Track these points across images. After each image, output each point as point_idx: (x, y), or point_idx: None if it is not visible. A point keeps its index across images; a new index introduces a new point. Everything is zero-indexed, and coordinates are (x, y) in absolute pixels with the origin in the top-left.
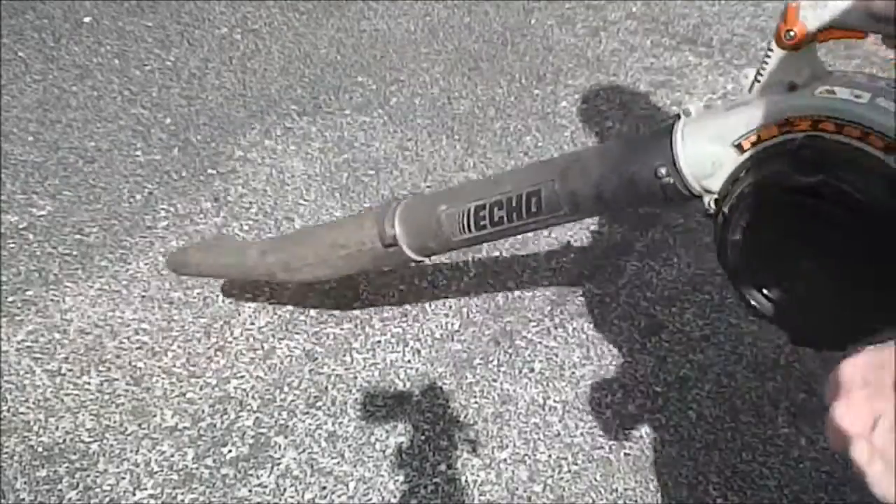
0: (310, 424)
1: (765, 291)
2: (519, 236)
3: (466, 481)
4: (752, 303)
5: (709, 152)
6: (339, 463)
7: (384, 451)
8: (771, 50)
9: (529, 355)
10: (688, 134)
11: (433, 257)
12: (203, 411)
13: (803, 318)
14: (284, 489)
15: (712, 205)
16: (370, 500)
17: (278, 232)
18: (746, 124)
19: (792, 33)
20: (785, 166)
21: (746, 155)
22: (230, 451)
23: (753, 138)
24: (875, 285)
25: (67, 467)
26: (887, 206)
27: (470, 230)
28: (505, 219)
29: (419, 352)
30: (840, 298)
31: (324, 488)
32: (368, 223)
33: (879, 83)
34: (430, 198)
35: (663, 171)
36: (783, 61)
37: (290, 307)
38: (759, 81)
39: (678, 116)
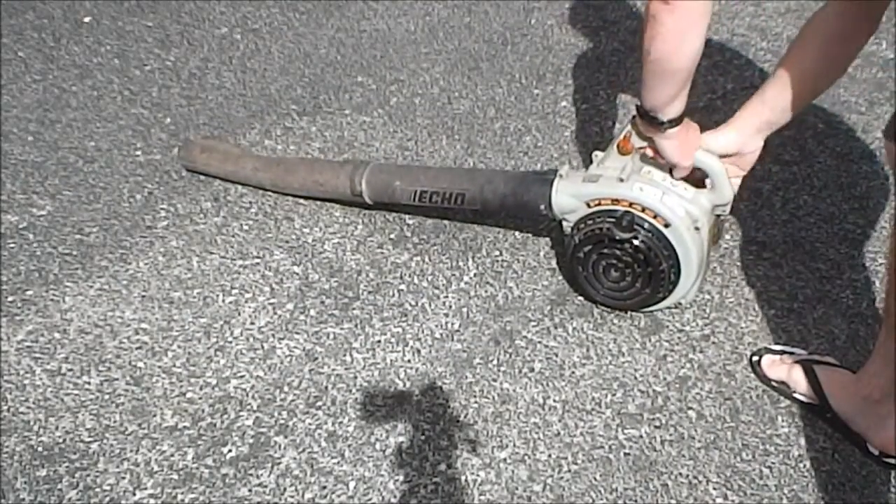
0: (310, 424)
1: (588, 281)
2: (519, 236)
3: (466, 481)
4: (583, 285)
5: (569, 202)
6: (339, 463)
7: (384, 451)
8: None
9: (529, 355)
10: (559, 189)
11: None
12: (203, 411)
13: (604, 296)
14: (284, 489)
15: (568, 229)
16: (370, 499)
17: (278, 232)
18: (593, 194)
19: (626, 148)
20: (612, 226)
21: (592, 210)
22: (230, 450)
23: (596, 201)
24: (638, 291)
25: (67, 467)
26: (657, 255)
27: (414, 201)
28: (438, 202)
29: (419, 352)
30: (622, 291)
31: (324, 488)
32: (343, 176)
33: (667, 183)
34: (390, 172)
35: (542, 207)
36: (619, 160)
37: (290, 307)
38: (603, 164)
39: (556, 174)
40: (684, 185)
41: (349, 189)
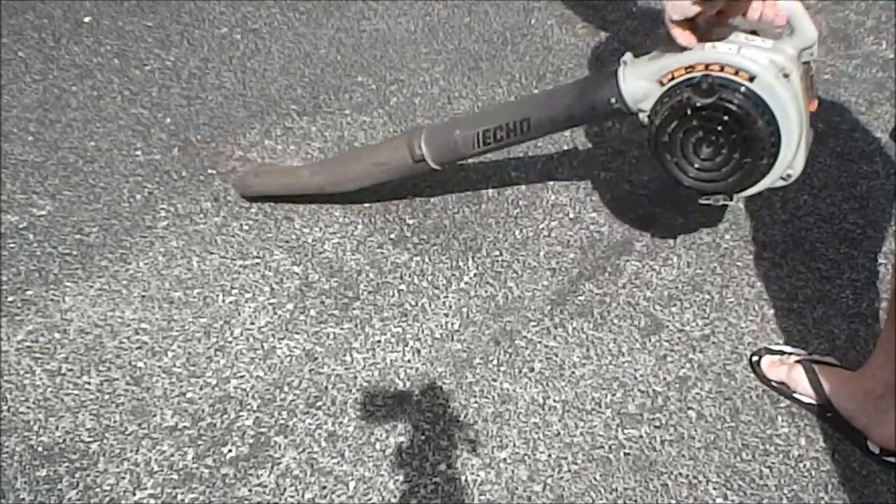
0: (310, 424)
1: (679, 166)
2: (519, 236)
3: (466, 481)
4: (673, 172)
5: (641, 87)
6: (339, 463)
7: (384, 451)
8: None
9: (529, 355)
10: (627, 76)
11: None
12: (203, 411)
13: (697, 180)
14: (284, 489)
15: (645, 119)
16: (370, 499)
17: (278, 232)
18: (664, 68)
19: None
20: (691, 93)
21: (666, 87)
22: (230, 450)
23: (669, 76)
24: (738, 163)
25: (67, 467)
26: (749, 113)
27: (479, 147)
28: (504, 137)
29: (419, 352)
30: (719, 169)
31: (324, 488)
32: (401, 147)
33: (741, 38)
34: (447, 126)
35: (613, 100)
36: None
37: (290, 307)
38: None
39: (620, 63)
40: (760, 38)
41: (410, 158)
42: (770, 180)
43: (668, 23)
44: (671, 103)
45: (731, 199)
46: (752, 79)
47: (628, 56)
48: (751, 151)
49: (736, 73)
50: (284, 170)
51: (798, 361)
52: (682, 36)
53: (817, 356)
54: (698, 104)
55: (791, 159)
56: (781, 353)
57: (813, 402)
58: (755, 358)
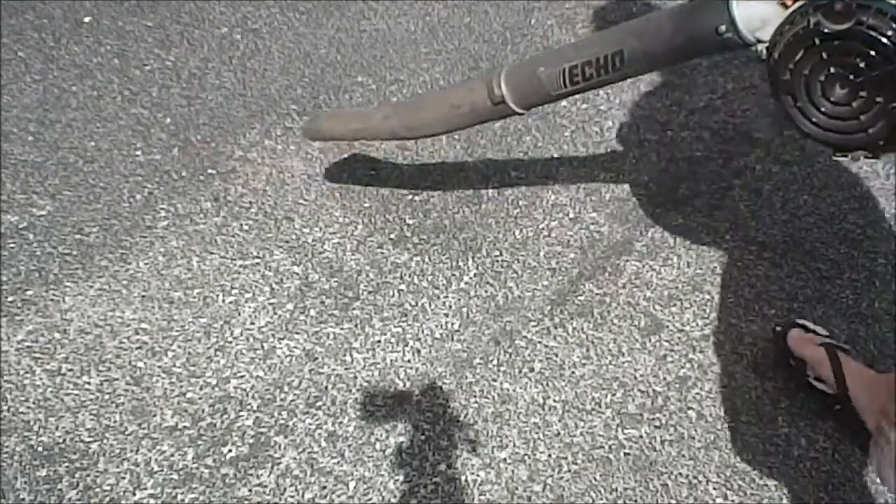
0: (310, 424)
1: (804, 112)
2: (519, 236)
3: (466, 481)
4: (796, 120)
5: (759, 10)
6: (339, 463)
7: (384, 451)
8: None
9: (529, 355)
10: None
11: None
12: (203, 411)
13: (827, 131)
14: (284, 489)
15: (764, 52)
16: (370, 500)
17: (278, 232)
18: None
19: None
20: (821, 17)
21: (790, 10)
22: (230, 450)
23: None
24: (883, 109)
25: (67, 467)
26: (891, 38)
27: (566, 86)
28: (594, 75)
29: (419, 352)
30: (857, 117)
31: (324, 488)
32: (478, 86)
33: None
34: (529, 62)
35: (723, 28)
36: None
37: (290, 307)
38: None
39: None
40: None
41: (489, 99)
42: None
43: None
44: (795, 30)
45: (877, 157)
46: None
47: None
48: None
49: None
50: (354, 114)
51: (823, 344)
52: None
53: (841, 345)
54: (830, 31)
55: None
56: (811, 330)
57: (826, 390)
58: (779, 329)
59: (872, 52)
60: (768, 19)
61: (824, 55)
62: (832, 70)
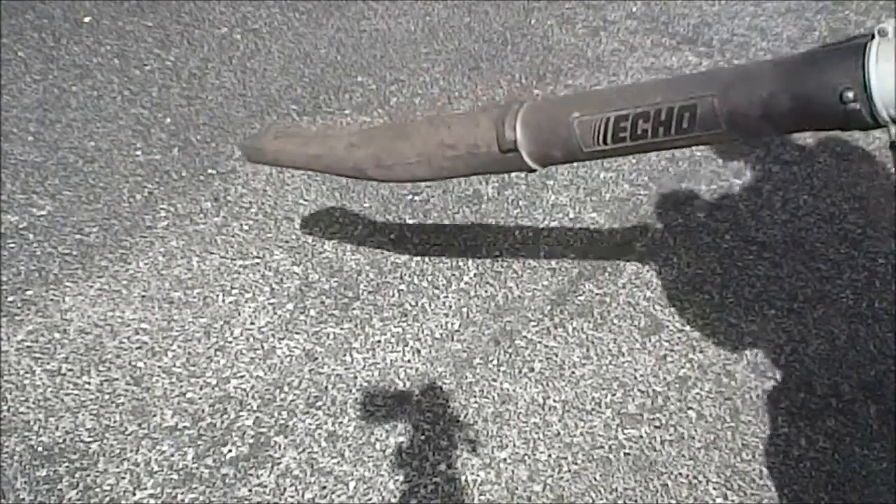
0: (310, 424)
1: None
2: (519, 236)
3: (466, 481)
4: None
5: None
6: (339, 463)
7: (384, 451)
8: None
9: (529, 355)
10: (883, 55)
11: (552, 166)
12: (203, 411)
13: None
14: (284, 489)
15: None
16: (370, 500)
17: (278, 232)
18: None
19: None
20: None
21: None
22: (230, 450)
23: None
24: None
25: (67, 467)
26: None
27: (605, 142)
28: (649, 132)
29: (419, 352)
30: None
31: (324, 488)
32: (485, 123)
33: None
34: (562, 101)
35: (850, 94)
36: None
37: (290, 307)
38: None
39: (871, 36)
40: None
41: (497, 143)
42: None
43: None
44: None
45: None
46: None
47: (891, 23)
48: None
49: None
50: (311, 135)
51: None
52: None
53: None
54: None
55: None
56: None
57: None
58: None
59: None
60: None
61: None
62: None
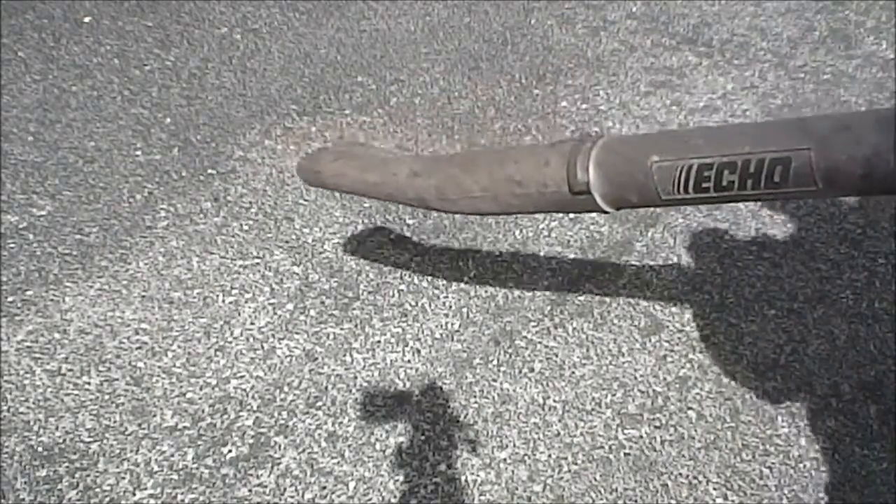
0: (310, 424)
1: None
2: (519, 236)
3: (466, 481)
4: None
5: None
6: (339, 463)
7: (384, 451)
8: None
9: (529, 355)
10: None
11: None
12: (203, 411)
13: None
14: (284, 489)
15: None
16: (370, 500)
17: (278, 232)
18: None
19: None
20: None
21: None
22: (230, 451)
23: None
24: None
25: (67, 467)
26: None
27: (687, 191)
28: (735, 185)
29: (419, 352)
30: None
31: (324, 488)
32: (555, 161)
33: None
34: (640, 142)
35: None
36: None
37: (290, 307)
38: None
39: None
40: None
41: (566, 184)
42: None
43: None
44: None
45: None
46: None
47: None
48: None
49: None
50: (372, 159)
51: None
52: None
53: None
54: None
55: None
56: None
57: None
58: None
59: None
60: None
61: None
62: None
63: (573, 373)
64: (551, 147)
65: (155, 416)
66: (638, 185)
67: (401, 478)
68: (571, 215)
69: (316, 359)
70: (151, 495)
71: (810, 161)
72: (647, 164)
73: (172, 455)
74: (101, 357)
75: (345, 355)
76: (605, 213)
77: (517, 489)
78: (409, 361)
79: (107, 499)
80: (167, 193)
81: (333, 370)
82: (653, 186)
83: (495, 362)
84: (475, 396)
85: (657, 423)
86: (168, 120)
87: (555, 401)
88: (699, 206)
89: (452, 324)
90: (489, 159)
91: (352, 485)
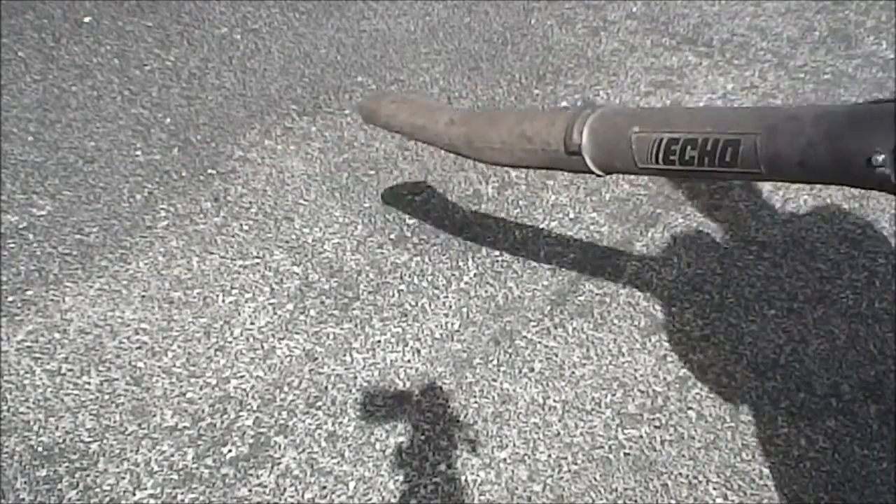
0: (310, 424)
1: None
2: (519, 236)
3: (466, 481)
4: None
5: None
6: (339, 463)
7: (384, 451)
8: None
9: (529, 355)
10: None
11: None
12: (203, 411)
13: None
14: (284, 489)
15: None
16: (370, 500)
17: (278, 232)
18: None
19: None
20: None
21: None
22: (230, 450)
23: None
24: None
25: (67, 467)
26: None
27: (657, 161)
28: (695, 160)
29: (419, 352)
30: None
31: (324, 488)
32: (559, 123)
33: None
34: (628, 114)
35: (880, 159)
36: None
37: (290, 307)
38: None
39: None
40: None
41: (563, 144)
42: None
43: None
44: None
45: None
46: None
47: None
48: None
49: None
50: (423, 106)
51: None
52: None
53: None
54: None
55: None
56: None
57: None
58: None
59: None
60: None
61: None
62: None
63: (573, 373)
64: (561, 111)
65: (155, 416)
66: (621, 152)
67: (401, 478)
68: (571, 215)
69: (316, 359)
70: (151, 495)
71: (755, 146)
72: (628, 133)
73: (172, 455)
74: (101, 357)
75: (345, 355)
76: (596, 175)
77: (517, 489)
78: (409, 361)
79: (107, 499)
80: (167, 193)
81: (333, 370)
82: (631, 155)
83: (495, 362)
84: (475, 396)
85: (657, 423)
86: (168, 120)
87: (555, 401)
88: (699, 206)
89: (452, 324)
90: (511, 117)
91: (352, 485)
